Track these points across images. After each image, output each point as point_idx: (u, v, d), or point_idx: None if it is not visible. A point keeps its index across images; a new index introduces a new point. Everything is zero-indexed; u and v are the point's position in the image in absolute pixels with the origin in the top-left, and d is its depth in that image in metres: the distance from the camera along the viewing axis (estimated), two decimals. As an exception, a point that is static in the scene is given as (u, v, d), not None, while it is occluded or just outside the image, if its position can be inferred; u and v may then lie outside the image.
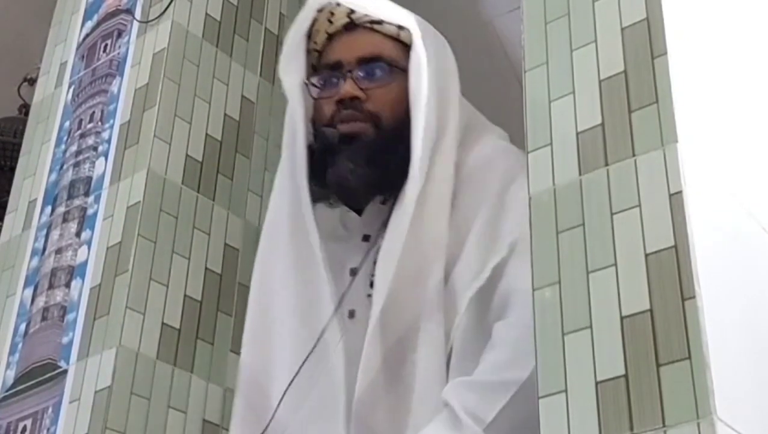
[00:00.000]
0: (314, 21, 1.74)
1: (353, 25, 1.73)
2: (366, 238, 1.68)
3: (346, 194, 1.68)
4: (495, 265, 1.57)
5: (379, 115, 1.68)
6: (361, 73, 1.69)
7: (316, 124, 1.71)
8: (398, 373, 1.56)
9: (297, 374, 1.58)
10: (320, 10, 1.73)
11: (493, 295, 1.56)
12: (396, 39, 1.73)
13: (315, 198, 1.67)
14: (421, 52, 1.67)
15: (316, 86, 1.72)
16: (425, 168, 1.61)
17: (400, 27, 1.72)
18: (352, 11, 1.72)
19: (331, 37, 1.74)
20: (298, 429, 1.58)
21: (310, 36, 1.75)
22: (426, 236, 1.61)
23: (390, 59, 1.71)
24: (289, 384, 1.58)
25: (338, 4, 1.72)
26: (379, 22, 1.72)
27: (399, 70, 1.70)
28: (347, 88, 1.68)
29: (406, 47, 1.71)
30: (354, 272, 1.64)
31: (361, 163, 1.64)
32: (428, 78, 1.65)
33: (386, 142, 1.66)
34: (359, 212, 1.70)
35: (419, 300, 1.58)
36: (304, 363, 1.58)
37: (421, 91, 1.64)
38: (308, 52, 1.75)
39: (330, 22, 1.73)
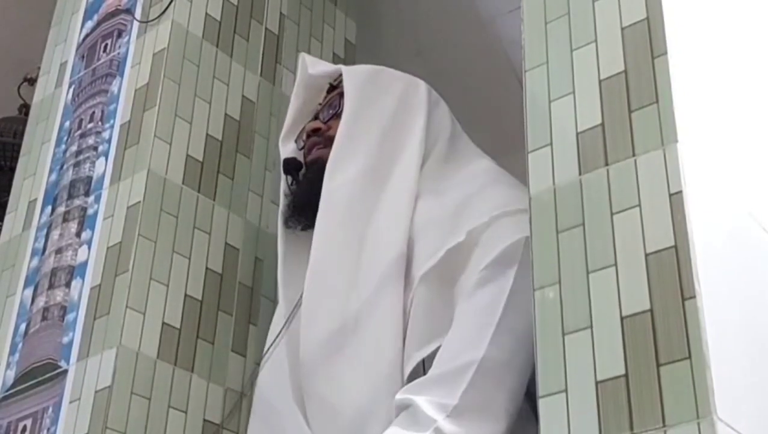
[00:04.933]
0: None
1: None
2: None
3: None
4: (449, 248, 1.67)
5: None
6: None
7: None
8: (348, 340, 1.69)
9: (272, 345, 1.85)
10: None
11: (451, 277, 1.65)
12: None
13: None
14: None
15: None
16: None
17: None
18: None
19: None
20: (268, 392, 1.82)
21: None
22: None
23: None
24: (268, 354, 1.85)
25: None
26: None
27: None
28: None
29: None
30: None
31: None
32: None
33: None
34: None
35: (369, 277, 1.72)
36: (276, 337, 1.85)
37: None
38: None
39: None
